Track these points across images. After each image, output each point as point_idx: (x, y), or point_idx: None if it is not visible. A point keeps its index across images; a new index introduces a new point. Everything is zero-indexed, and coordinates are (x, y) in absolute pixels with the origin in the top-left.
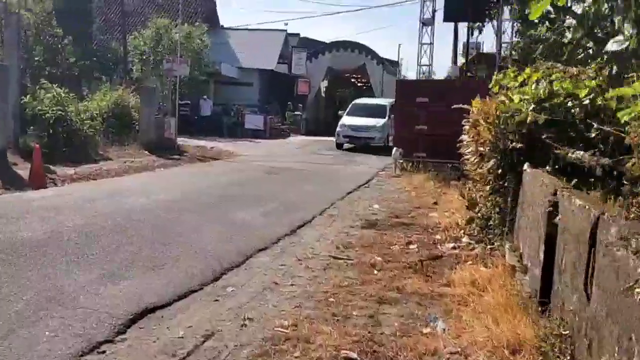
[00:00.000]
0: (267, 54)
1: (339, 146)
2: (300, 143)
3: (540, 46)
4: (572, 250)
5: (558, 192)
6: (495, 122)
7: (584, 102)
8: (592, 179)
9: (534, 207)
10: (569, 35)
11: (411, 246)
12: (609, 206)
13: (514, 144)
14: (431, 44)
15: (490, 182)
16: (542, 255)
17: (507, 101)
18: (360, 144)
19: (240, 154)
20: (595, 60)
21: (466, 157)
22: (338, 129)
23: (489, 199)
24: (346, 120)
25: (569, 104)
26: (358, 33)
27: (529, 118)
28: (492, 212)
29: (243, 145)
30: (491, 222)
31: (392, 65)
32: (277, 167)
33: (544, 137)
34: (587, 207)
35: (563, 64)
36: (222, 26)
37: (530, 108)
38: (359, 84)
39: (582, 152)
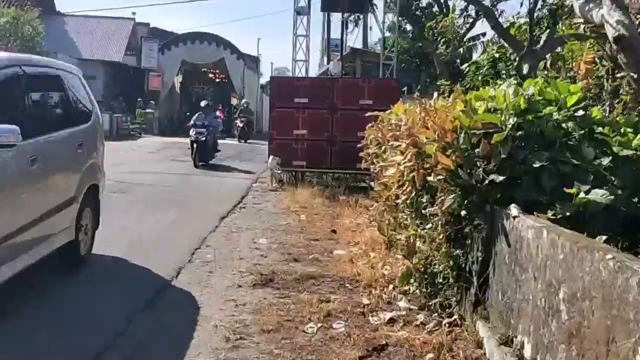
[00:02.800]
0: (113, 44)
1: None
2: (153, 146)
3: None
4: None
5: None
6: (455, 143)
7: (577, 114)
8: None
9: (589, 301)
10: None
11: (335, 325)
12: None
13: (492, 175)
14: (307, 36)
15: (445, 227)
16: None
17: (469, 111)
18: None
19: None
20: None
21: (384, 179)
22: None
23: (443, 250)
24: None
25: (555, 116)
26: (211, 24)
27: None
28: (446, 267)
29: None
30: (440, 280)
31: (252, 61)
32: (126, 182)
33: (536, 165)
34: None
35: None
36: (59, 11)
37: (511, 122)
38: (217, 80)
39: (602, 191)
